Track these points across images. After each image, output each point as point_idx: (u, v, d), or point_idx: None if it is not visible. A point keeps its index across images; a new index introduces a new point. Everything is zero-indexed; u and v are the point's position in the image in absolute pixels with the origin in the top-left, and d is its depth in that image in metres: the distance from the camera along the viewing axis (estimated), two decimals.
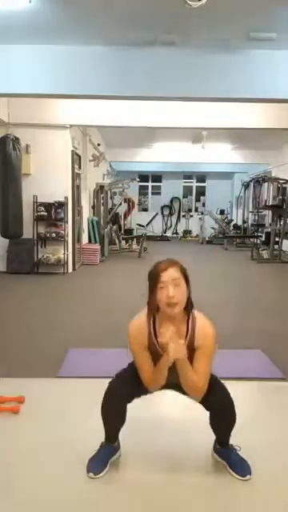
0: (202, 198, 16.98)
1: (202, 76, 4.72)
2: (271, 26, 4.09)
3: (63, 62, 4.68)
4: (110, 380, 1.97)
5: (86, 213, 9.50)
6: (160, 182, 16.82)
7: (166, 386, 1.94)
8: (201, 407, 1.96)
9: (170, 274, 1.78)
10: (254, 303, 5.59)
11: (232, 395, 1.92)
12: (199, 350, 1.86)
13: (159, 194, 16.89)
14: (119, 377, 1.97)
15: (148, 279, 1.84)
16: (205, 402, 1.90)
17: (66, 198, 7.53)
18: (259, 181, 12.25)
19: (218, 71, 4.72)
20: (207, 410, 1.93)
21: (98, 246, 9.21)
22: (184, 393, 1.94)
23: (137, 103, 6.59)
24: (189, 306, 1.87)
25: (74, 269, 7.97)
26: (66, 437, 2.25)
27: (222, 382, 1.96)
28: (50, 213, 7.50)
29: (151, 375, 1.87)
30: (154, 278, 1.81)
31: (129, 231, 13.19)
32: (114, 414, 1.98)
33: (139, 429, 2.24)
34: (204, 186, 16.91)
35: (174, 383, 1.89)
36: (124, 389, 1.92)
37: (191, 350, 1.85)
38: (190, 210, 16.63)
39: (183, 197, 16.86)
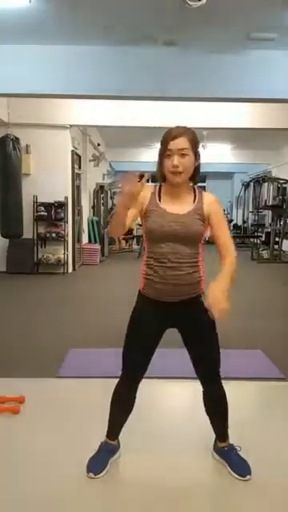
0: None
1: (202, 76, 4.73)
2: (271, 26, 4.09)
3: (63, 61, 4.68)
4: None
5: (86, 213, 9.50)
6: None
7: (170, 308, 1.87)
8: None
9: (178, 143, 1.76)
10: (254, 303, 5.59)
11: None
12: (214, 216, 1.84)
13: None
14: (125, 345, 1.93)
15: (160, 143, 1.83)
16: (202, 364, 1.93)
17: (66, 198, 7.53)
18: (259, 181, 12.25)
19: (218, 71, 4.73)
20: (201, 378, 1.94)
21: (98, 246, 9.21)
22: (184, 330, 1.90)
23: (137, 103, 6.59)
24: (195, 177, 1.86)
25: (74, 269, 7.97)
26: (66, 437, 2.25)
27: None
28: (50, 213, 7.51)
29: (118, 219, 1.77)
30: (163, 144, 1.80)
31: (129, 231, 13.17)
32: (123, 400, 1.98)
33: (139, 429, 2.24)
34: (204, 186, 16.89)
35: (172, 297, 1.83)
36: (133, 349, 1.90)
37: (202, 216, 1.82)
38: None
39: None
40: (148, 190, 1.85)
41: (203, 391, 1.98)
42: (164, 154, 1.79)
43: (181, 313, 1.85)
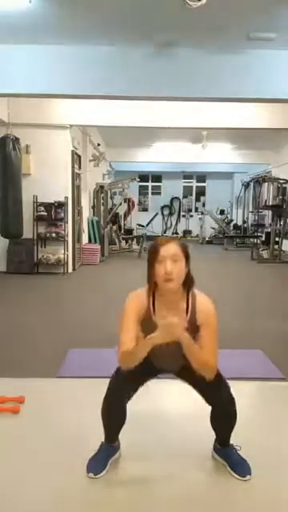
0: (202, 198, 16.98)
1: (202, 76, 4.72)
2: (271, 26, 4.09)
3: (63, 61, 4.68)
4: (109, 379, 1.97)
5: (86, 213, 9.50)
6: (160, 182, 16.82)
7: (164, 371, 1.93)
8: (201, 408, 1.96)
9: (168, 249, 1.77)
10: (254, 303, 5.59)
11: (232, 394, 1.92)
12: (203, 327, 1.83)
13: (159, 194, 16.89)
14: (116, 375, 1.95)
15: (147, 253, 1.85)
16: (210, 396, 1.91)
17: (66, 197, 7.53)
18: (259, 181, 12.25)
19: (218, 71, 4.72)
20: (211, 406, 1.93)
21: (98, 246, 9.21)
22: (186, 379, 1.93)
23: (137, 103, 6.58)
24: (188, 283, 1.85)
25: (73, 269, 7.97)
26: (66, 437, 2.25)
27: None
28: (50, 213, 7.51)
29: (130, 349, 1.77)
30: (152, 252, 1.80)
31: (129, 231, 13.18)
32: (114, 414, 1.97)
33: (139, 429, 2.24)
34: (204, 186, 16.91)
35: (173, 368, 1.88)
36: (123, 386, 1.91)
37: (194, 328, 1.82)
38: (190, 210, 16.63)
39: (183, 197, 16.86)
40: (143, 300, 1.86)
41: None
42: (154, 262, 1.78)
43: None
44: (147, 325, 1.83)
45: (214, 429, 2.02)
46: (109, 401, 1.93)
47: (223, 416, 1.96)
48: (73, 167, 7.79)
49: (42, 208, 7.48)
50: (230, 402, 1.92)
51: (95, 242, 9.56)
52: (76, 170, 8.11)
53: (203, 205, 16.71)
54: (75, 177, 8.03)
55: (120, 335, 1.84)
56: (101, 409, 1.96)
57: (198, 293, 1.89)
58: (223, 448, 2.04)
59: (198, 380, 1.85)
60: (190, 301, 1.86)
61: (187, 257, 1.82)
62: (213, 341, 1.84)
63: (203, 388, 1.91)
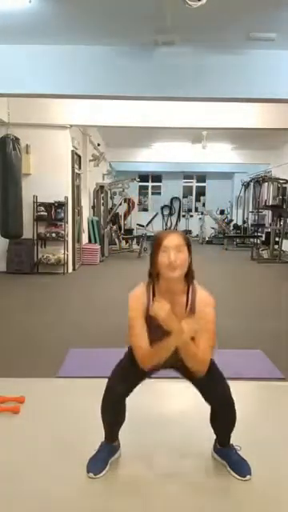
0: (202, 198, 16.97)
1: (202, 76, 4.73)
2: (271, 26, 4.09)
3: (63, 62, 4.69)
4: (108, 378, 1.97)
5: (86, 213, 9.50)
6: (160, 182, 16.81)
7: (163, 367, 1.92)
8: (201, 407, 1.96)
9: (172, 240, 1.78)
10: (254, 303, 5.60)
11: (232, 395, 1.92)
12: (200, 320, 1.82)
13: (159, 193, 16.88)
14: (114, 373, 1.96)
15: (151, 246, 1.85)
16: (208, 395, 1.91)
17: (66, 197, 7.53)
18: (259, 181, 12.25)
19: (218, 71, 4.72)
20: (210, 404, 1.93)
21: (98, 246, 9.21)
22: (183, 373, 1.93)
23: (137, 103, 6.59)
24: (189, 276, 1.85)
25: (73, 269, 7.97)
26: (66, 437, 2.25)
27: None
28: (50, 213, 7.51)
29: (148, 352, 1.79)
30: (156, 244, 1.81)
31: (129, 231, 13.19)
32: (113, 412, 1.98)
33: (139, 429, 2.24)
34: (204, 186, 16.90)
35: (172, 363, 1.87)
36: (121, 384, 1.91)
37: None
38: (189, 210, 16.63)
39: (183, 197, 16.86)
40: (144, 300, 1.86)
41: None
42: (158, 251, 1.79)
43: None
44: (151, 320, 1.81)
45: (214, 429, 2.02)
46: (108, 399, 1.93)
47: (222, 415, 1.96)
48: (73, 167, 7.79)
49: (42, 208, 7.48)
50: (229, 401, 1.91)
51: (95, 242, 9.56)
52: (76, 170, 8.11)
53: (203, 205, 16.70)
54: (75, 177, 8.03)
55: (132, 340, 1.84)
56: (100, 408, 1.96)
57: (198, 287, 1.89)
58: (223, 448, 2.04)
59: (194, 375, 1.85)
60: (190, 295, 1.86)
61: (190, 248, 1.83)
62: (210, 338, 1.82)
63: (200, 383, 1.91)
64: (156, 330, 1.78)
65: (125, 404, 1.95)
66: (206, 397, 1.93)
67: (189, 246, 1.83)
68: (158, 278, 1.85)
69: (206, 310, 1.83)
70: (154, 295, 1.86)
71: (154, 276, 1.86)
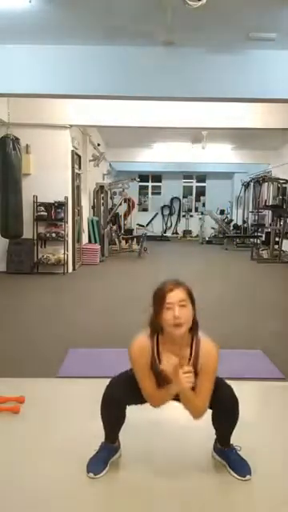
0: (202, 198, 16.98)
1: (202, 76, 4.73)
2: (271, 26, 4.10)
3: (63, 61, 4.69)
4: (108, 381, 1.97)
5: (86, 213, 9.50)
6: (160, 182, 16.82)
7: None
8: None
9: (176, 295, 1.76)
10: (254, 303, 5.59)
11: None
12: (202, 372, 1.84)
13: (159, 193, 16.89)
14: (115, 382, 1.96)
15: (153, 299, 1.81)
16: (216, 399, 1.89)
17: (66, 197, 7.53)
18: (259, 181, 12.25)
19: (218, 71, 4.73)
20: (216, 407, 1.92)
21: (98, 246, 9.21)
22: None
23: (137, 103, 6.59)
24: (194, 328, 1.85)
25: (73, 269, 7.96)
26: (66, 437, 2.25)
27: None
28: (50, 213, 7.51)
29: (156, 394, 1.87)
30: (159, 299, 1.78)
31: (129, 231, 13.18)
32: (112, 417, 1.98)
33: (139, 429, 2.24)
34: (204, 186, 16.91)
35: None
36: (121, 395, 1.92)
37: (195, 372, 1.82)
38: (189, 210, 16.64)
39: (183, 197, 16.86)
40: (148, 351, 1.86)
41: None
42: (162, 308, 1.76)
43: None
44: (155, 369, 1.86)
45: (216, 429, 2.01)
46: (108, 400, 1.93)
47: (224, 415, 1.96)
48: (73, 167, 7.79)
49: (42, 208, 7.47)
50: (232, 401, 1.92)
51: (95, 242, 9.56)
52: (76, 170, 8.11)
53: (203, 205, 16.71)
54: (75, 177, 8.03)
55: (143, 391, 1.88)
56: (100, 408, 1.96)
57: (202, 338, 1.88)
58: (223, 448, 2.04)
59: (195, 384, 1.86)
60: (194, 347, 1.86)
61: (193, 301, 1.81)
62: (209, 388, 1.84)
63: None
64: (160, 374, 1.84)
65: (124, 410, 1.96)
66: (213, 402, 1.91)
67: (192, 298, 1.81)
68: (160, 331, 1.85)
69: (209, 363, 1.84)
70: (157, 346, 1.87)
71: (157, 329, 1.85)
